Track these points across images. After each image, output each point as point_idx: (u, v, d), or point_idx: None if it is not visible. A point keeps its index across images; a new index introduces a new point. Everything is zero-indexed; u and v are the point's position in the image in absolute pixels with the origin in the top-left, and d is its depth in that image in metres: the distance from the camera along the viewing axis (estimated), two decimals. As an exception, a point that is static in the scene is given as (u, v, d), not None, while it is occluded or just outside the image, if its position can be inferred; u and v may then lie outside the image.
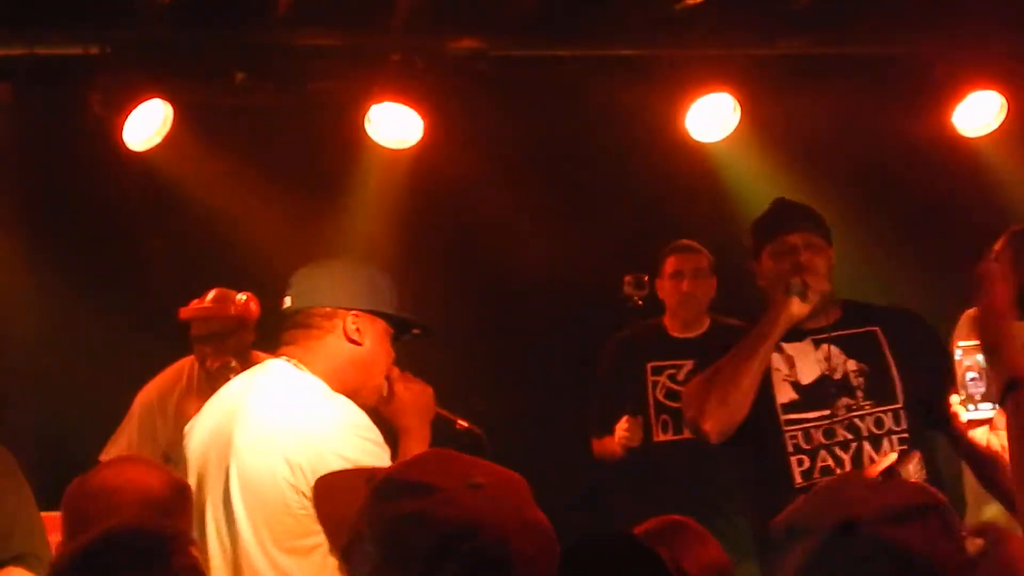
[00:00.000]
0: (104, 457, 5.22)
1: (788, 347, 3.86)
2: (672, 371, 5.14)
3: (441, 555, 1.88)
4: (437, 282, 6.11)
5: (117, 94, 5.42)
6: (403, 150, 5.72)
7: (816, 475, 3.60)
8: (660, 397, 5.22)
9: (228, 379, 4.49)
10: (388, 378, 3.56)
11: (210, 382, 5.14)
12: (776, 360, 3.81)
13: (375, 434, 3.36)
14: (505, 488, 1.96)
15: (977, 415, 3.08)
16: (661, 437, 5.21)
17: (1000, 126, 5.68)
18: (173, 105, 5.45)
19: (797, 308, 3.64)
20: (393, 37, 5.60)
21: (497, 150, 6.14)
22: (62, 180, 6.11)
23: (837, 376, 3.68)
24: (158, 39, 5.49)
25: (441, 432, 3.70)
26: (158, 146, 5.50)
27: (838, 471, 3.59)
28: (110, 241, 6.29)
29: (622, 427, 5.03)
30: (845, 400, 3.66)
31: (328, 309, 3.49)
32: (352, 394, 3.46)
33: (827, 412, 3.65)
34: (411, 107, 5.56)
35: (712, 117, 5.67)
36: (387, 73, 5.54)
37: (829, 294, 3.82)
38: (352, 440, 3.31)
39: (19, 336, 6.16)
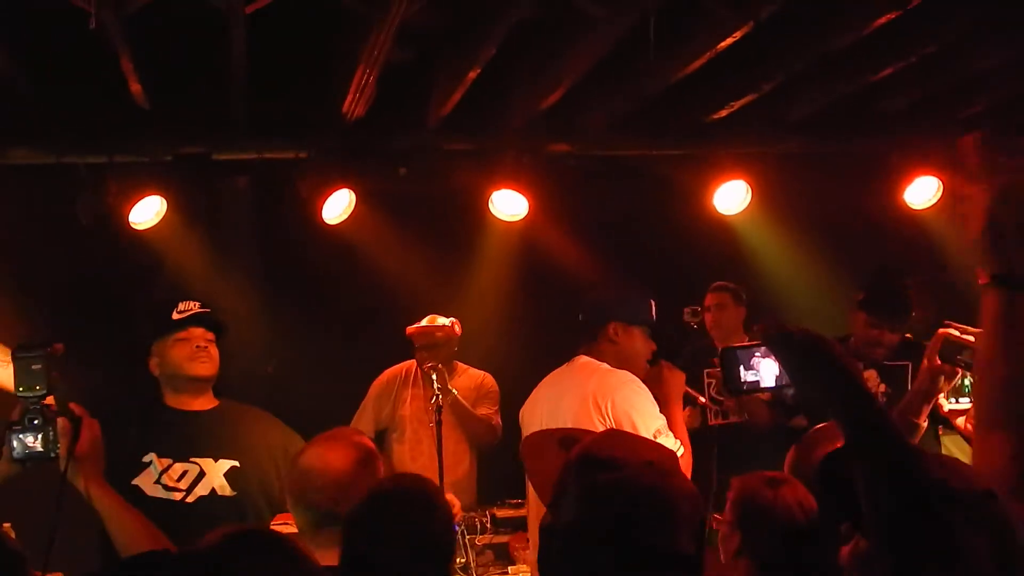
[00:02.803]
0: (353, 423, 5.75)
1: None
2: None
3: (626, 518, 2.00)
4: (532, 316, 6.73)
5: (317, 185, 6.04)
6: (515, 223, 6.40)
7: None
8: (713, 393, 5.95)
9: (431, 377, 5.30)
10: (658, 365, 4.34)
11: (424, 379, 5.75)
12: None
13: (646, 391, 4.19)
14: (668, 464, 2.10)
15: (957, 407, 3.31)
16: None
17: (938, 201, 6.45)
18: (356, 192, 6.03)
19: None
20: (508, 142, 6.21)
21: (580, 221, 6.82)
22: (282, 244, 6.72)
23: None
24: (345, 146, 6.02)
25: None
26: (346, 221, 6.10)
27: None
28: (314, 286, 6.93)
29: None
30: None
31: (601, 323, 4.38)
32: None
33: None
34: (520, 192, 6.25)
35: (732, 197, 6.48)
36: (504, 168, 6.23)
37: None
38: (637, 396, 4.14)
39: (259, 360, 6.71)
